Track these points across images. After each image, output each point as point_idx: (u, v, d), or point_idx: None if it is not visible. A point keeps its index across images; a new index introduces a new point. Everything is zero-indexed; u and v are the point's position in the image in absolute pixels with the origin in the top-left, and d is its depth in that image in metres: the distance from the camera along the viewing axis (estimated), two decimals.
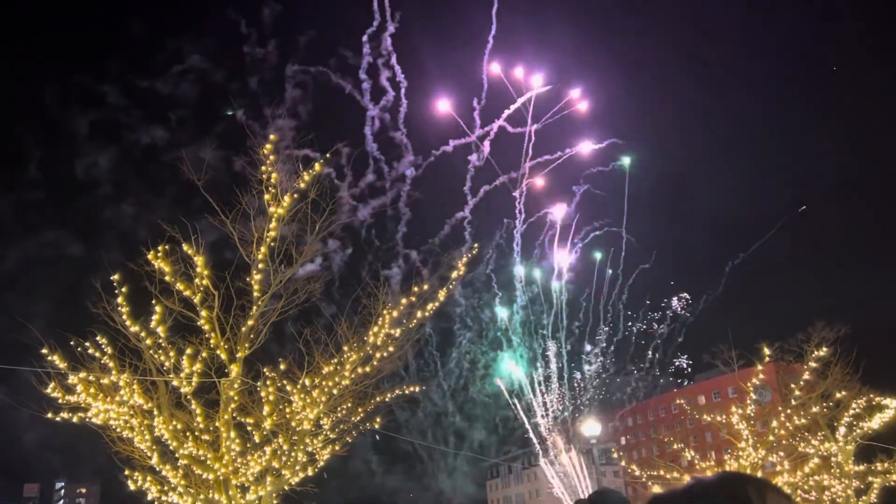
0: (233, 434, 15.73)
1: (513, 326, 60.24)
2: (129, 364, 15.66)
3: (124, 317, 15.47)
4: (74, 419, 15.39)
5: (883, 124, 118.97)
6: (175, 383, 15.52)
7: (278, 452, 16.23)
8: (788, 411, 30.54)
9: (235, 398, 15.93)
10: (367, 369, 17.10)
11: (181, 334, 15.97)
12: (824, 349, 30.38)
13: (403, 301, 17.28)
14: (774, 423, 30.13)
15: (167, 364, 15.63)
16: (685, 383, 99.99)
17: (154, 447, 15.58)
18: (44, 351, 15.13)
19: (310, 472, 17.10)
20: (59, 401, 15.22)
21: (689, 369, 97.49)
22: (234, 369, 15.69)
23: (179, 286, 15.59)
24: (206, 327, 15.72)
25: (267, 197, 16.30)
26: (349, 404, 17.63)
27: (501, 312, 60.62)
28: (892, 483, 32.86)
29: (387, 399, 18.63)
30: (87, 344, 15.55)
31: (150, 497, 16.14)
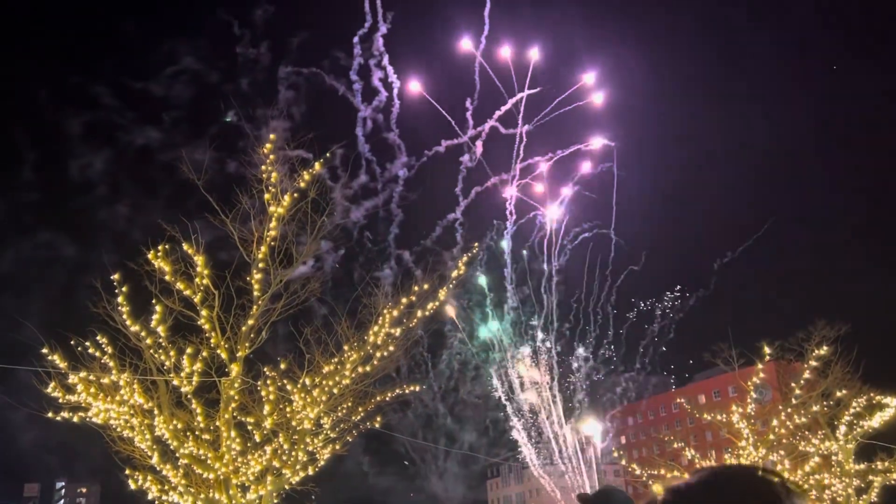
0: (233, 433, 15.73)
1: (503, 327, 60.19)
2: (130, 363, 15.68)
3: (124, 316, 15.48)
4: (75, 419, 15.41)
5: (882, 125, 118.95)
6: (175, 383, 15.52)
7: (279, 452, 16.23)
8: (789, 410, 30.57)
9: (236, 397, 15.93)
10: (368, 368, 17.12)
11: (181, 334, 16.00)
12: (825, 348, 30.39)
13: (403, 300, 17.31)
14: (775, 422, 30.16)
15: (167, 363, 15.63)
16: (673, 380, 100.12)
17: (154, 447, 15.59)
18: (44, 350, 15.15)
19: (310, 472, 17.12)
20: (60, 400, 15.24)
21: (679, 372, 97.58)
22: (235, 368, 15.70)
23: (179, 285, 15.59)
24: (207, 327, 15.72)
25: (267, 196, 16.30)
26: (349, 404, 17.65)
27: (490, 326, 60.56)
28: (893, 482, 32.85)
29: (387, 399, 18.67)
30: (88, 343, 15.57)
31: (150, 496, 16.14)
